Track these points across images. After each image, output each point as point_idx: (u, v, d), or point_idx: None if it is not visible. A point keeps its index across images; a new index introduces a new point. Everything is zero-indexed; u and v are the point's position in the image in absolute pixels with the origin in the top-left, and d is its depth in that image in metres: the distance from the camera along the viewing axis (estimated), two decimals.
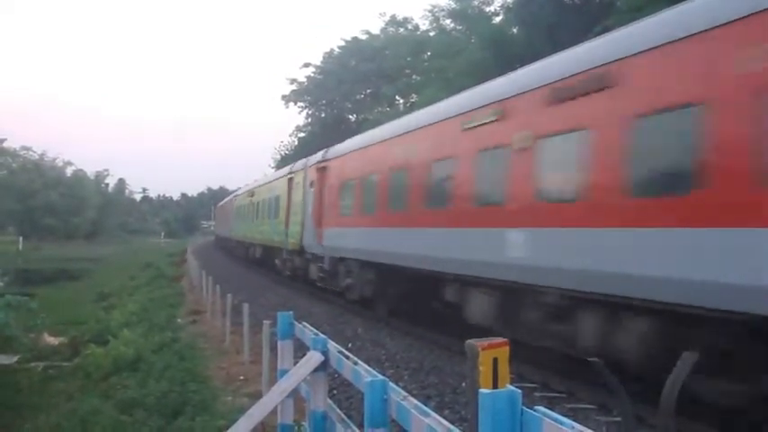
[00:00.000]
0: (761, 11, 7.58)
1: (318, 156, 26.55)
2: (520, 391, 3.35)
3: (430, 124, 16.21)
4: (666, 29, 9.32)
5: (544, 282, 11.25)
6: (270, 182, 40.10)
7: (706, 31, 8.42)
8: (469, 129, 13.73)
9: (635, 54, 9.66)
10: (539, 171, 11.50)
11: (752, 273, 7.30)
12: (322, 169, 25.16)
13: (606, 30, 14.17)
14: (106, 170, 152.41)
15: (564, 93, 10.93)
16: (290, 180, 31.56)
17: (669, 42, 9.04)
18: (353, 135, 27.18)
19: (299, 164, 31.05)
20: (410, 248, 16.40)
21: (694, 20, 8.77)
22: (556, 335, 11.43)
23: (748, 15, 7.80)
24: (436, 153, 15.26)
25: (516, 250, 11.82)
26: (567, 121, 10.90)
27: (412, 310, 18.34)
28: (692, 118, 8.48)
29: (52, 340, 23.19)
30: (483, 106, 13.46)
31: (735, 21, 7.99)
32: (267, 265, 38.15)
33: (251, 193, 46.50)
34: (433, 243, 15.18)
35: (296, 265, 29.49)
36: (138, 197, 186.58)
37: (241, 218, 50.39)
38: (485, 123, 13.12)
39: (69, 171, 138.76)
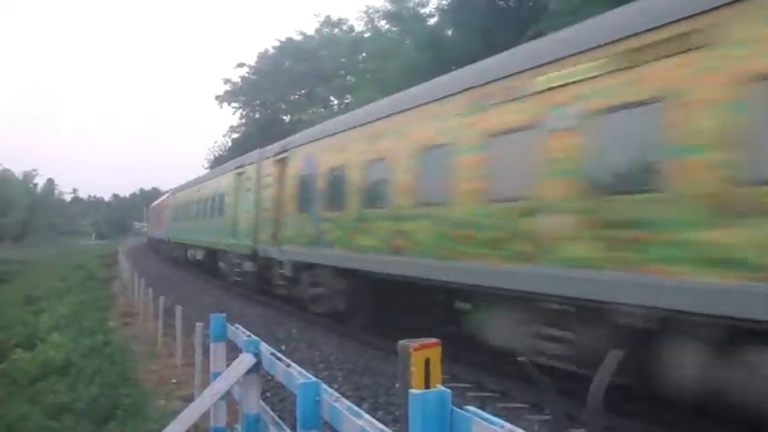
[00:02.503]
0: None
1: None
2: (449, 390, 3.37)
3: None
4: None
5: None
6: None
7: None
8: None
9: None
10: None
11: None
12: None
13: (539, 34, 14.36)
14: (34, 170, 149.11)
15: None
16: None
17: None
18: (287, 136, 25.75)
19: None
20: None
21: None
22: None
23: None
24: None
25: None
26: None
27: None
28: None
29: None
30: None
31: None
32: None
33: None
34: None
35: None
36: (68, 198, 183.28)
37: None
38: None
39: None
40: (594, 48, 9.47)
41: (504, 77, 11.42)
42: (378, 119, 15.89)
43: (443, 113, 13.01)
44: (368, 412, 4.78)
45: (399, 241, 14.09)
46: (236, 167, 29.52)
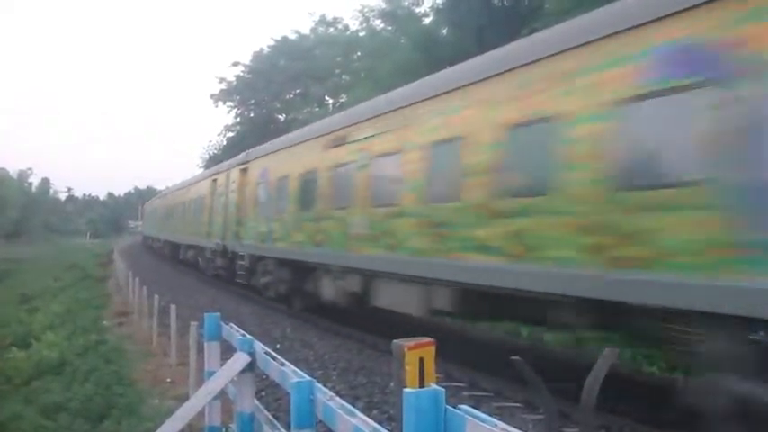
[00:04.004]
0: None
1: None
2: (443, 389, 3.38)
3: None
4: None
5: None
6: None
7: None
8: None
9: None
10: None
11: None
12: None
13: (534, 32, 14.37)
14: (30, 169, 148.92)
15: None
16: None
17: None
18: (282, 135, 27.62)
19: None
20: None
21: None
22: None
23: None
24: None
25: None
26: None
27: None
28: None
29: None
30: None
31: None
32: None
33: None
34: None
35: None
36: (63, 197, 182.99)
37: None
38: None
39: None
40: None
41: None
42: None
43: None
44: (362, 411, 4.79)
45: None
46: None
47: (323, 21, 76.13)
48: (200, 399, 6.99)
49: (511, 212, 10.61)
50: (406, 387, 3.99)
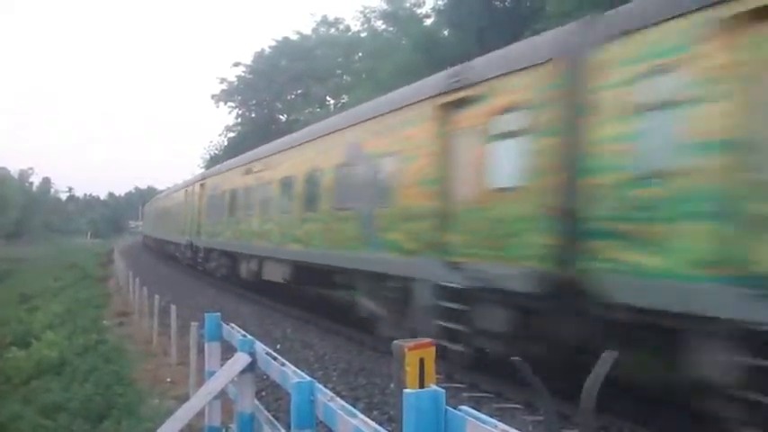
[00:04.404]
0: None
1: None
2: (443, 390, 3.39)
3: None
4: None
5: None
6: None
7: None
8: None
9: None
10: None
11: None
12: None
13: (535, 33, 14.37)
14: (31, 169, 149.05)
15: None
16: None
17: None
18: (284, 135, 30.55)
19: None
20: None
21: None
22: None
23: None
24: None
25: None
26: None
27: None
28: None
29: None
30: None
31: None
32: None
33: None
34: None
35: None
36: (63, 196, 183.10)
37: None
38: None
39: None
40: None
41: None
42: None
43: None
44: (362, 412, 4.79)
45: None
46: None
47: (324, 21, 76.23)
48: (200, 399, 7.00)
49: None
50: (406, 388, 3.99)
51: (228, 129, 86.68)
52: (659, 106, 8.22)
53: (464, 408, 3.29)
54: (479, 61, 12.78)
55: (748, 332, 7.10)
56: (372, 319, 15.77)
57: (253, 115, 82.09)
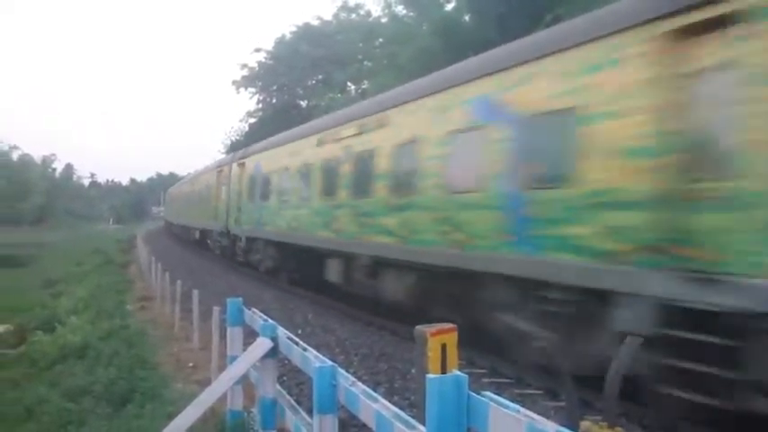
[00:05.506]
0: None
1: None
2: (466, 376, 3.38)
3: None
4: None
5: None
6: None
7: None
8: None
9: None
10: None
11: None
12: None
13: (557, 19, 14.26)
14: (53, 155, 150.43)
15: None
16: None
17: None
18: (305, 121, 30.09)
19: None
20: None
21: None
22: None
23: None
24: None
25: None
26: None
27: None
28: None
29: None
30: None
31: None
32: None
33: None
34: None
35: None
36: (86, 182, 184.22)
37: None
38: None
39: (15, 156, 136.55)
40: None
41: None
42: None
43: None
44: (383, 397, 4.80)
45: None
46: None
47: (345, 6, 76.05)
48: (222, 383, 7.03)
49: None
50: (428, 373, 3.98)
51: (250, 114, 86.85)
52: None
53: (487, 393, 3.29)
54: None
55: None
56: (511, 340, 11.72)
57: (273, 101, 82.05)
